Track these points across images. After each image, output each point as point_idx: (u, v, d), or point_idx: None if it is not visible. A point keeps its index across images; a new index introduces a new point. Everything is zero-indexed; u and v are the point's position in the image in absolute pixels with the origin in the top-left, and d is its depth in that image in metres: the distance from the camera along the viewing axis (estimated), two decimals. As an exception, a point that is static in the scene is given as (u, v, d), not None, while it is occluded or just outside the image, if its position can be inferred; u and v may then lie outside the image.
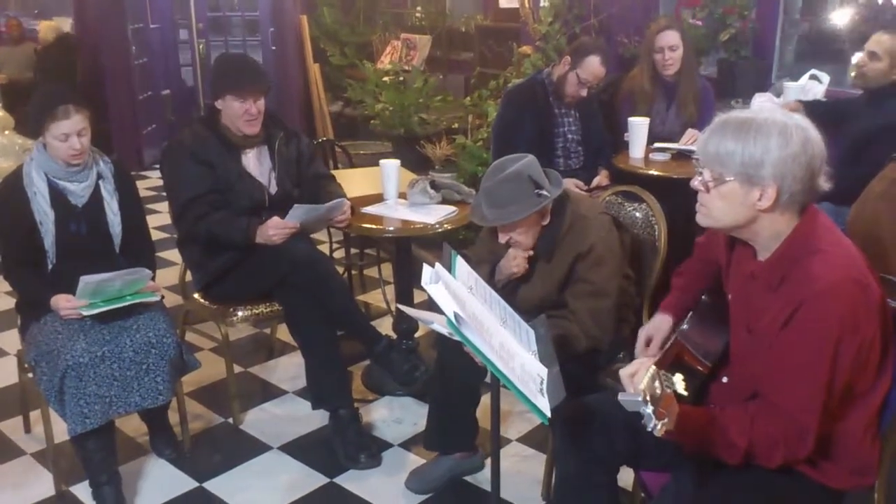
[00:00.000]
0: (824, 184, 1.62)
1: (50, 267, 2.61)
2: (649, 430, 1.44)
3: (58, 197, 2.60)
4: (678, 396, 1.57)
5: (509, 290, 2.47)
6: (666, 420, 1.45)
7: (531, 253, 2.43)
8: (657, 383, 1.48)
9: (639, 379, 1.50)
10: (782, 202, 1.60)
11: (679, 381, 1.57)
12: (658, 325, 2.06)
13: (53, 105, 2.49)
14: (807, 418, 1.56)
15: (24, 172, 2.60)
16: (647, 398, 1.43)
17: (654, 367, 1.53)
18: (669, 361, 1.80)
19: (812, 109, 3.32)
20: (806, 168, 1.57)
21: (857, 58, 3.35)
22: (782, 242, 1.64)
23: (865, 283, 1.58)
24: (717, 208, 1.65)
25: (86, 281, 2.43)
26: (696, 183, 1.67)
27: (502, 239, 2.42)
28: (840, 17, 4.93)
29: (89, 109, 2.57)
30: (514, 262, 2.43)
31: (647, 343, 2.06)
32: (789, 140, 1.56)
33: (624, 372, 1.60)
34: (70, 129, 2.50)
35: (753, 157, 1.57)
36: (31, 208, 2.56)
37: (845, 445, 1.67)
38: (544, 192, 2.31)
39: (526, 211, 2.31)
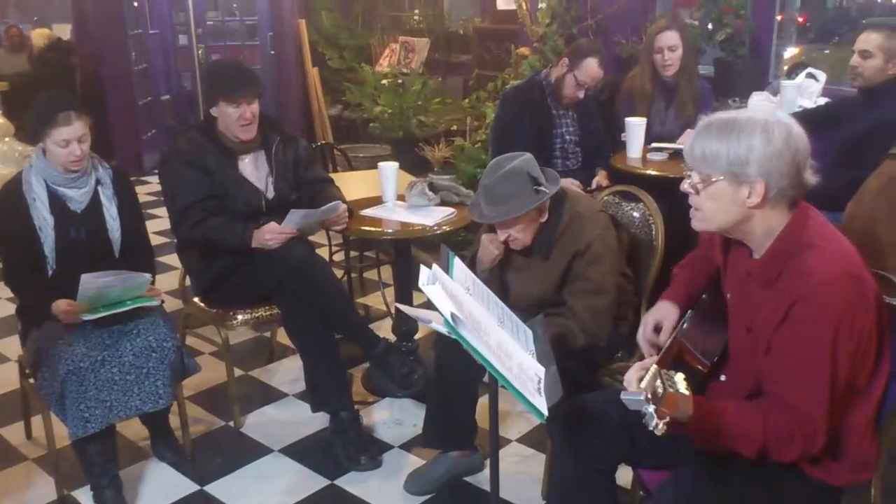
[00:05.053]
0: (811, 177, 1.64)
1: (50, 272, 2.62)
2: (650, 429, 1.44)
3: (57, 203, 2.61)
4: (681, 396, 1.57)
5: (503, 289, 2.47)
6: (668, 419, 1.45)
7: (505, 238, 2.43)
8: (659, 382, 1.49)
9: (640, 377, 1.51)
10: (771, 198, 1.63)
11: (681, 381, 1.57)
12: (667, 313, 1.99)
13: (55, 111, 2.50)
14: (815, 411, 1.57)
15: (23, 179, 2.61)
16: (649, 397, 1.44)
17: (655, 366, 1.53)
18: (670, 361, 1.80)
19: (803, 118, 3.28)
20: (791, 163, 1.60)
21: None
22: (775, 239, 1.66)
23: (860, 276, 1.59)
24: (709, 209, 1.68)
25: (87, 280, 2.43)
26: (685, 186, 1.71)
27: (501, 236, 2.42)
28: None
29: (90, 116, 2.59)
30: (492, 244, 2.44)
31: (655, 329, 1.99)
32: (772, 136, 1.59)
33: (628, 376, 1.60)
34: (71, 136, 2.51)
35: (738, 156, 1.60)
36: (31, 214, 2.57)
37: (847, 442, 1.68)
38: (543, 189, 2.32)
39: (525, 207, 2.31)
